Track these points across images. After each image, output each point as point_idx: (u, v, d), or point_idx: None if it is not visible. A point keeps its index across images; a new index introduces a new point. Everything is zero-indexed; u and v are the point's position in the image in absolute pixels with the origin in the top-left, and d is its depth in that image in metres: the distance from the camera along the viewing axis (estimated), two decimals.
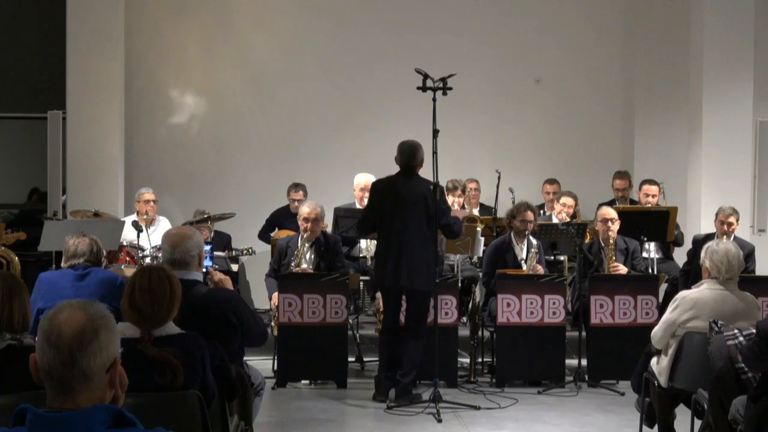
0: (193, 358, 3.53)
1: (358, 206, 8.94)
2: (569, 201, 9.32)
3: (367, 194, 9.07)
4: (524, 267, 7.85)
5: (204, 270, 4.71)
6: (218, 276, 4.77)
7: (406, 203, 6.93)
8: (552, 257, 8.16)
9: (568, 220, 9.12)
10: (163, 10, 10.81)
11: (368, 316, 9.23)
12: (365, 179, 9.07)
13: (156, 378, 3.38)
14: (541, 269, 7.81)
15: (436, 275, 6.95)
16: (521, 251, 7.94)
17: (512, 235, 7.96)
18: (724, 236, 8.00)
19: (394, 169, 7.13)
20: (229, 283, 4.78)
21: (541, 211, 9.81)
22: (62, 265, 5.59)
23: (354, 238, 8.57)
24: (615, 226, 8.05)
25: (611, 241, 8.01)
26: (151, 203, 9.20)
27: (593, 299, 7.62)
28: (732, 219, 8.11)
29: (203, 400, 3.43)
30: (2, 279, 3.73)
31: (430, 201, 6.85)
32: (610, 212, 8.18)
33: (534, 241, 7.93)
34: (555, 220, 9.02)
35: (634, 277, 7.91)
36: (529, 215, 7.89)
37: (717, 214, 8.22)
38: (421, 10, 10.91)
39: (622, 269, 7.95)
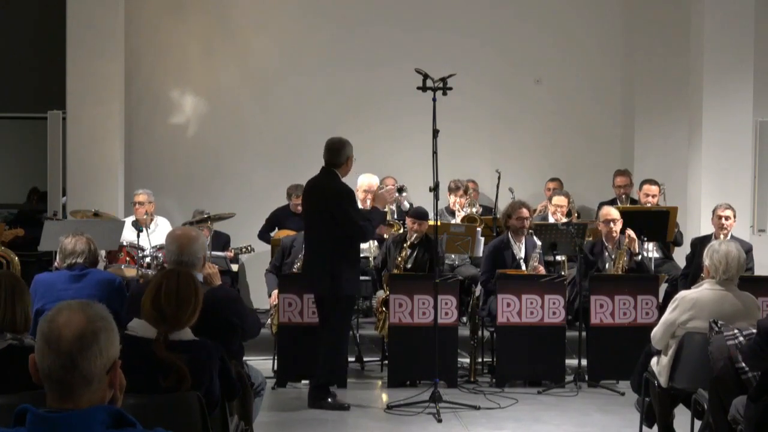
0: (202, 367, 3.51)
1: (361, 207, 8.91)
2: (562, 200, 9.29)
3: (370, 195, 9.06)
4: (523, 266, 7.86)
5: None
6: (206, 270, 4.69)
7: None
8: (552, 257, 8.16)
9: (564, 219, 9.11)
10: (163, 10, 10.81)
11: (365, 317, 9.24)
12: (368, 180, 9.04)
13: (160, 381, 3.36)
14: (542, 269, 7.81)
15: (342, 281, 6.73)
16: (519, 250, 7.94)
17: (510, 234, 7.98)
18: (722, 232, 8.01)
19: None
20: (217, 278, 4.72)
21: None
22: (58, 264, 5.55)
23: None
24: (617, 227, 8.05)
25: (620, 243, 7.98)
26: (145, 205, 9.11)
27: (593, 299, 7.62)
28: (728, 213, 8.12)
29: (203, 401, 3.42)
30: (6, 279, 3.73)
31: (333, 205, 6.78)
32: (613, 212, 8.15)
33: (538, 242, 7.94)
34: (551, 220, 9.00)
35: (634, 277, 7.90)
36: (524, 212, 7.93)
37: (714, 211, 8.25)
38: (422, 10, 10.90)
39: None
